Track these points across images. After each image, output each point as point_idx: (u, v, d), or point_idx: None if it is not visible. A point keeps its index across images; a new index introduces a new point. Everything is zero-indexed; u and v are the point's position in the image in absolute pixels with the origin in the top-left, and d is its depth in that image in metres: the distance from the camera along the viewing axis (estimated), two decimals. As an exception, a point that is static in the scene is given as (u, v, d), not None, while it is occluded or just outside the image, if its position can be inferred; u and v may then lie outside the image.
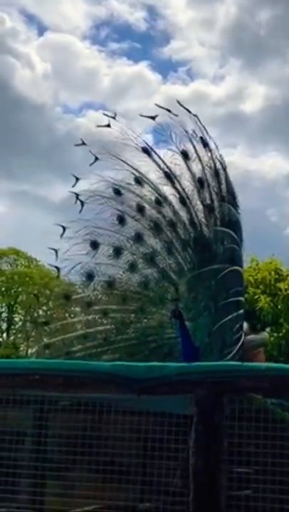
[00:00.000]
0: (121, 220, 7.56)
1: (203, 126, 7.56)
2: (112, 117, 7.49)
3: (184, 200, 7.46)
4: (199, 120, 7.53)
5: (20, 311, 37.01)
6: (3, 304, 36.89)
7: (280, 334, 18.03)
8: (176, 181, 7.52)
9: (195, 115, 7.53)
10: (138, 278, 7.62)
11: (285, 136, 57.40)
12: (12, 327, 36.98)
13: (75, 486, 3.74)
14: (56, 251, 7.50)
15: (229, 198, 7.43)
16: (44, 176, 53.97)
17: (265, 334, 13.88)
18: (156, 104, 7.64)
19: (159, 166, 7.57)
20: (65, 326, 7.86)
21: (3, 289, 36.41)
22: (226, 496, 3.20)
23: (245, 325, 7.01)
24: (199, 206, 7.43)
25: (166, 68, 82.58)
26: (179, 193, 7.51)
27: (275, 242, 40.73)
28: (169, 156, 7.57)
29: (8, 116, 50.66)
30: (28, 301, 34.22)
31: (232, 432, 3.24)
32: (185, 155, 7.51)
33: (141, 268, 7.60)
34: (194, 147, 7.51)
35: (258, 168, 58.46)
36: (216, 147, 7.62)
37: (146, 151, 7.55)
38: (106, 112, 7.63)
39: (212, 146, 7.55)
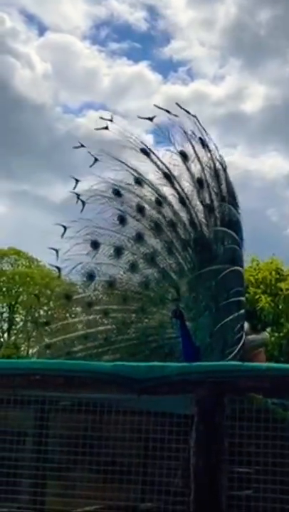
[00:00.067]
0: (122, 220, 7.57)
1: (203, 127, 7.58)
2: (109, 120, 7.53)
3: (183, 201, 7.47)
4: (198, 121, 7.55)
5: (21, 312, 37.04)
6: (4, 304, 36.93)
7: (281, 334, 18.05)
8: (175, 182, 7.53)
9: (194, 116, 7.55)
10: (139, 278, 7.62)
11: (285, 136, 57.44)
12: (13, 327, 37.03)
13: (76, 486, 3.75)
14: (57, 251, 7.51)
15: (229, 198, 7.43)
16: (44, 176, 54.05)
17: (265, 334, 13.88)
18: (155, 105, 7.66)
19: (158, 166, 7.58)
20: (66, 326, 7.86)
21: (4, 289, 36.45)
22: (227, 496, 3.20)
23: (246, 325, 7.02)
24: (199, 206, 7.44)
25: (166, 68, 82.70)
26: (178, 193, 7.52)
27: (275, 242, 40.80)
28: (168, 157, 7.59)
29: (8, 116, 50.75)
30: (29, 301, 34.26)
31: (233, 432, 3.25)
32: (184, 155, 7.52)
33: (141, 268, 7.61)
34: (193, 148, 7.52)
35: (258, 168, 58.53)
36: (216, 147, 7.64)
37: (145, 151, 7.57)
38: (103, 116, 7.66)
39: (211, 146, 7.57)
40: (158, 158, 7.60)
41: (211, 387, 3.26)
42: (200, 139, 7.55)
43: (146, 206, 7.60)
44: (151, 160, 7.60)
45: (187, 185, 7.52)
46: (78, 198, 7.54)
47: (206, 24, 68.91)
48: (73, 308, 8.32)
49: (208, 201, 7.42)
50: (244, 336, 6.77)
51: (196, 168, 7.51)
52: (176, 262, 7.47)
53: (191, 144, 7.53)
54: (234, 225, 7.34)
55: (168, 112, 7.49)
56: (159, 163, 7.59)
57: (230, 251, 7.21)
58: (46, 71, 59.71)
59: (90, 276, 7.64)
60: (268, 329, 17.62)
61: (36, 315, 29.74)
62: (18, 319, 37.48)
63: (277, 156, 61.06)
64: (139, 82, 61.01)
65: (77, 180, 7.61)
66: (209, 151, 7.54)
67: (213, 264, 7.09)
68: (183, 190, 7.51)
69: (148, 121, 7.59)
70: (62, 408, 3.78)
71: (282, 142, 57.92)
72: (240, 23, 58.12)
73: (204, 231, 7.40)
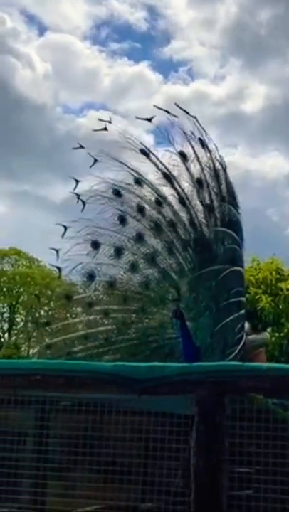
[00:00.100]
0: (122, 220, 7.58)
1: (202, 128, 7.58)
2: (107, 122, 7.54)
3: (183, 201, 7.48)
4: (198, 121, 7.55)
5: (21, 312, 37.07)
6: (5, 305, 36.95)
7: (282, 334, 18.02)
8: (174, 182, 7.55)
9: (194, 116, 7.55)
10: (139, 278, 7.63)
11: (286, 136, 57.47)
12: (13, 327, 37.05)
13: (77, 486, 3.75)
14: (57, 251, 7.52)
15: (229, 198, 7.44)
16: (45, 176, 54.09)
17: (266, 334, 13.85)
18: (155, 105, 7.67)
19: (157, 166, 7.59)
20: (67, 327, 7.87)
21: (4, 289, 36.48)
22: (228, 496, 3.20)
23: (246, 325, 7.02)
24: (199, 207, 7.45)
25: (166, 68, 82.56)
26: (178, 193, 7.53)
27: (275, 242, 40.76)
28: (168, 157, 7.60)
29: (8, 116, 50.76)
30: (30, 301, 34.26)
31: (233, 432, 3.25)
32: (183, 156, 7.53)
33: (142, 268, 7.61)
34: (193, 148, 7.53)
35: (258, 168, 58.55)
36: (216, 148, 7.64)
37: (145, 152, 7.58)
38: (101, 118, 7.68)
39: (211, 146, 7.58)
40: (157, 158, 7.62)
41: (211, 387, 3.26)
42: (199, 139, 7.56)
43: (146, 206, 7.61)
44: (151, 160, 7.62)
45: (187, 186, 7.54)
46: (78, 198, 7.55)
47: (206, 24, 69.05)
48: (74, 309, 8.32)
49: (208, 201, 7.43)
50: (244, 336, 6.77)
51: (195, 168, 7.53)
52: (176, 262, 7.48)
53: (191, 144, 7.55)
54: (234, 225, 7.35)
55: (167, 112, 7.50)
56: (158, 163, 7.61)
57: (231, 251, 7.21)
58: (47, 71, 59.83)
59: (91, 277, 7.65)
60: (269, 329, 17.58)
61: (37, 315, 29.74)
62: (18, 319, 37.54)
63: (278, 156, 61.19)
64: (139, 82, 61.08)
65: (77, 181, 7.63)
66: (209, 151, 7.55)
67: (213, 265, 7.09)
68: (183, 190, 7.52)
69: (148, 122, 7.61)
70: (62, 408, 3.78)
71: (283, 142, 58.02)
72: (241, 23, 58.17)
73: (204, 231, 7.41)
